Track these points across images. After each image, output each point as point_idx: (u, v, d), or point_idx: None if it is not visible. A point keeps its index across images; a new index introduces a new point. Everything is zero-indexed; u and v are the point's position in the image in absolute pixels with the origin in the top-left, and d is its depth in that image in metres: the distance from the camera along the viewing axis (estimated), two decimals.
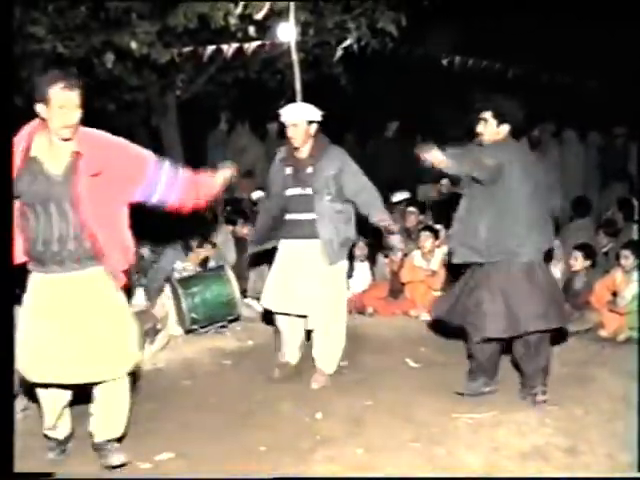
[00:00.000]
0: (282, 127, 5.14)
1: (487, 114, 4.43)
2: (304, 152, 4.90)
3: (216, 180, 4.04)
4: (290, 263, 4.95)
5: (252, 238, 5.22)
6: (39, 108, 3.39)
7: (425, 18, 8.04)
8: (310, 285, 4.84)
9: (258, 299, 6.64)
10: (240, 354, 5.68)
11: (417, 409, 4.49)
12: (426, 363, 5.39)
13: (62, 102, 3.35)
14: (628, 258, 5.98)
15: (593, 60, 11.73)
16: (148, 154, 3.75)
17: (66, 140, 3.43)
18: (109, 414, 3.74)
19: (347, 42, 7.64)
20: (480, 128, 4.46)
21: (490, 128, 4.43)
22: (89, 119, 3.53)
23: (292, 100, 6.80)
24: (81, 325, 3.49)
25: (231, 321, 6.23)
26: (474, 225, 4.39)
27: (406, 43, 7.96)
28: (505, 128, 4.43)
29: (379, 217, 5.02)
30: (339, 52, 7.73)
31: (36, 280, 3.56)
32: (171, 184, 3.75)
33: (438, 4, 7.92)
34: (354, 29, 7.69)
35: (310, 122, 4.84)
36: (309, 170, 4.84)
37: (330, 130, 5.00)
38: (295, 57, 6.79)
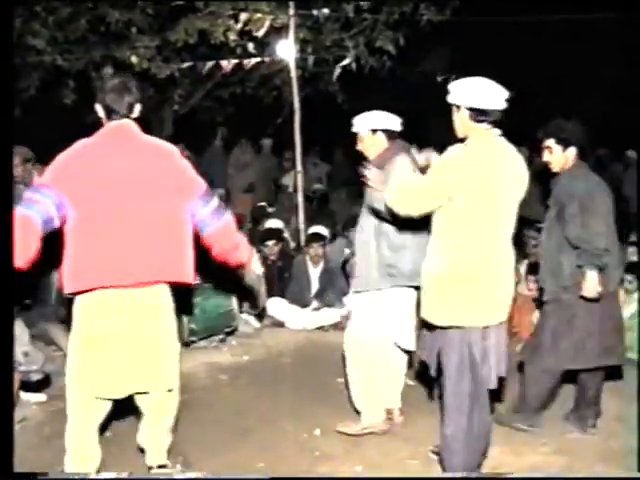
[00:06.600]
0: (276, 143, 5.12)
1: (550, 141, 4.17)
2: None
3: (250, 263, 3.92)
4: None
5: None
6: None
7: (422, 37, 8.08)
8: None
9: (255, 315, 6.69)
10: (237, 369, 5.67)
11: (415, 428, 4.50)
12: (422, 381, 5.39)
13: None
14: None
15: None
16: None
17: None
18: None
19: (345, 61, 7.69)
20: (546, 157, 4.20)
21: (556, 155, 4.17)
22: (84, 132, 3.43)
23: (289, 117, 6.83)
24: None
25: (228, 334, 6.24)
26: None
27: (404, 62, 7.98)
28: (572, 152, 4.17)
29: None
30: (337, 70, 7.76)
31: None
32: None
33: (435, 24, 7.98)
34: (352, 47, 7.74)
35: (374, 131, 4.33)
36: None
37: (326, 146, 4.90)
38: (294, 74, 6.81)
